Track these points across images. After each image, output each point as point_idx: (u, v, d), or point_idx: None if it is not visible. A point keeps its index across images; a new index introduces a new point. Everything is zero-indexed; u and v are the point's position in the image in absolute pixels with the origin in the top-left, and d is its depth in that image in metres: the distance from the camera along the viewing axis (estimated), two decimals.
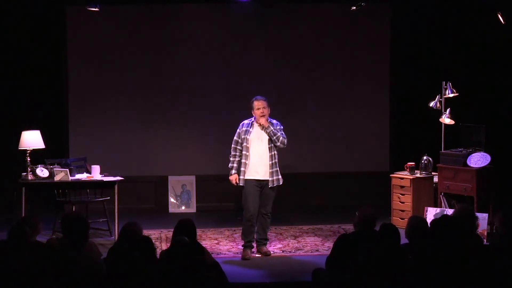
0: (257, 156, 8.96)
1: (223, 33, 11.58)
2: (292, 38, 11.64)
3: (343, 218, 10.46)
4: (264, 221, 9.03)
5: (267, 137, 8.95)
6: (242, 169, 8.99)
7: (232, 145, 9.08)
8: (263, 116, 8.92)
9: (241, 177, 8.99)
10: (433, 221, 6.36)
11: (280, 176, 9.03)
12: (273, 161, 8.97)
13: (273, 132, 8.91)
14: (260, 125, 8.94)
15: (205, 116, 11.54)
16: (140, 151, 11.51)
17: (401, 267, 5.94)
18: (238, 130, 9.10)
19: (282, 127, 9.04)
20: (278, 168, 9.01)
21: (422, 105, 10.67)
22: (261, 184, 8.97)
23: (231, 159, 9.07)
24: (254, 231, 9.02)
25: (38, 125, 10.02)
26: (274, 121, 9.06)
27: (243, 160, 9.00)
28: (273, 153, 8.97)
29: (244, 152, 9.00)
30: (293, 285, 7.91)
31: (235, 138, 9.08)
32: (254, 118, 9.02)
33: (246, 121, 9.12)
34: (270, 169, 8.95)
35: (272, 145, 8.96)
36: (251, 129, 9.00)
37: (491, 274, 5.97)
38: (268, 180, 8.94)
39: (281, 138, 8.93)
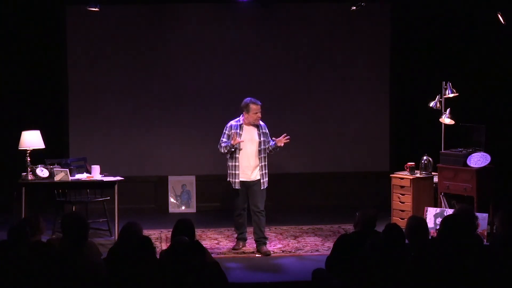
0: (246, 158, 9.04)
1: (224, 33, 11.58)
2: (292, 38, 11.64)
3: (343, 218, 10.48)
4: (258, 220, 9.06)
5: (257, 139, 9.03)
6: (235, 172, 9.03)
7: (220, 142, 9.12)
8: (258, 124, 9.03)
9: (233, 179, 9.05)
10: (444, 219, 6.37)
11: (267, 179, 9.15)
12: (263, 164, 9.06)
13: (277, 150, 9.19)
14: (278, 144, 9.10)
15: (205, 116, 11.54)
16: (140, 151, 11.51)
17: (401, 267, 5.94)
18: (225, 131, 9.11)
19: (267, 131, 9.20)
20: (267, 171, 9.13)
21: (422, 105, 10.67)
22: (247, 184, 9.08)
23: (223, 144, 9.05)
24: (244, 223, 9.18)
25: (38, 125, 10.02)
26: (262, 123, 9.16)
27: (234, 163, 9.04)
28: (262, 155, 9.07)
29: (235, 155, 9.03)
30: (293, 285, 7.91)
31: (223, 139, 9.08)
32: (243, 120, 9.06)
33: (233, 123, 9.13)
34: (260, 171, 9.05)
35: (262, 148, 9.05)
36: (241, 132, 9.04)
37: (491, 274, 5.97)
38: (254, 180, 9.04)
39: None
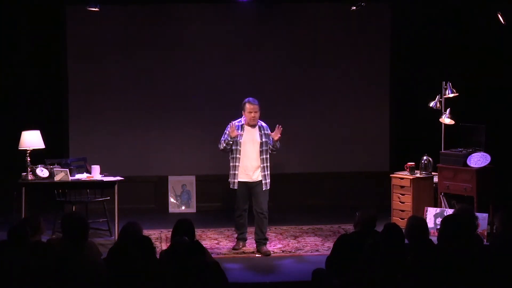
0: (247, 159, 9.03)
1: (224, 33, 11.57)
2: (292, 38, 11.64)
3: (343, 218, 10.47)
4: (260, 221, 9.07)
5: (259, 140, 9.02)
6: (234, 172, 9.03)
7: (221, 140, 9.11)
8: (254, 118, 8.98)
9: (232, 179, 9.05)
10: (444, 219, 6.37)
11: (269, 181, 9.11)
12: (265, 165, 9.04)
13: (278, 147, 9.11)
14: (276, 139, 9.06)
15: (205, 116, 11.54)
16: (140, 151, 11.51)
17: (401, 267, 5.94)
18: (226, 131, 9.10)
19: (269, 132, 9.14)
20: (269, 172, 9.10)
21: (422, 105, 10.67)
22: (249, 185, 9.07)
23: (222, 140, 9.05)
24: (244, 223, 9.17)
25: (38, 125, 10.02)
26: (264, 125, 9.14)
27: (234, 164, 9.03)
28: (264, 156, 9.03)
29: (236, 155, 9.03)
30: (293, 285, 7.91)
31: (223, 138, 9.09)
32: (244, 120, 9.06)
33: (235, 123, 9.12)
34: (262, 172, 9.03)
35: (264, 148, 9.03)
36: (242, 132, 9.04)
37: (491, 274, 5.97)
38: (256, 181, 9.04)
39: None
